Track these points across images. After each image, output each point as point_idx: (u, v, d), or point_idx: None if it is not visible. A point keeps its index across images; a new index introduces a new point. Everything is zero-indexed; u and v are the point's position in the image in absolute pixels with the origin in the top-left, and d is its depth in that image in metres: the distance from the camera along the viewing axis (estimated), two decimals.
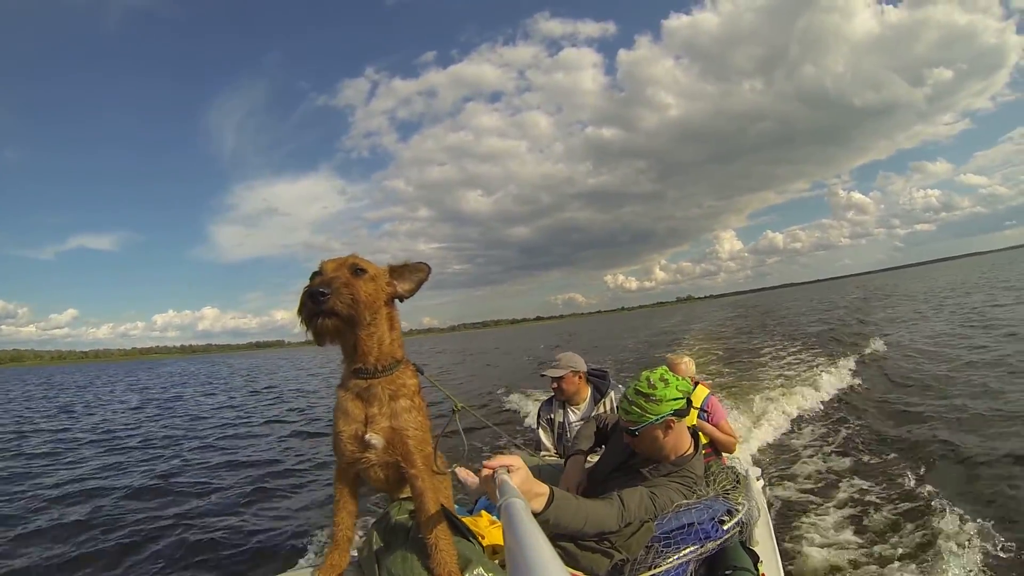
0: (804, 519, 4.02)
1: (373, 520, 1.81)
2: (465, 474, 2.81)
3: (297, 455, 8.46)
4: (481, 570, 1.49)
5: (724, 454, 3.46)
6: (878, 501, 4.14)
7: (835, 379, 8.67)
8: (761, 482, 3.39)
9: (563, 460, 2.73)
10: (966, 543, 3.26)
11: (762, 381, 9.44)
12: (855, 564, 3.33)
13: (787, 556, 3.35)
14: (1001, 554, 3.15)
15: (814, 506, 4.26)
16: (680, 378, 2.06)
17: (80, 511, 6.03)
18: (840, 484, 4.60)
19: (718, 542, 1.87)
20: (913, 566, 3.18)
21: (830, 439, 5.93)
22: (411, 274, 1.58)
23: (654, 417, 1.95)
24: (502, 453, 1.60)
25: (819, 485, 4.69)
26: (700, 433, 2.78)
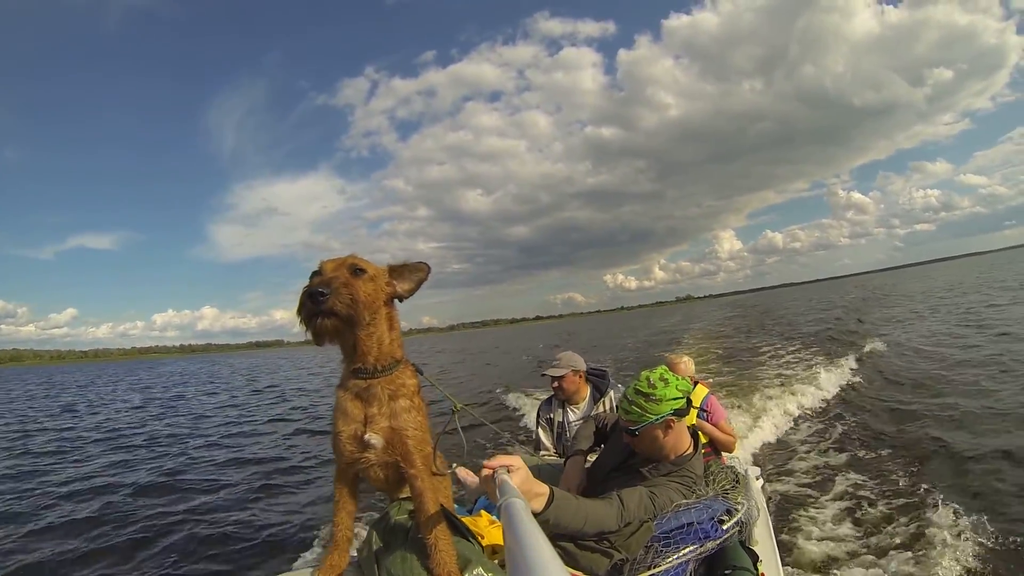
0: (802, 512, 4.17)
1: (372, 520, 1.80)
2: (465, 474, 2.82)
3: (303, 452, 8.54)
4: (481, 570, 1.49)
5: (724, 453, 3.47)
6: (872, 496, 4.29)
7: (833, 378, 8.79)
8: (760, 481, 3.37)
9: (563, 459, 2.73)
10: (958, 534, 3.42)
11: (761, 380, 9.51)
12: (851, 555, 3.47)
13: (784, 548, 3.46)
14: (989, 544, 3.31)
15: (811, 500, 4.40)
16: (680, 377, 2.06)
17: (90, 507, 6.14)
18: (836, 479, 4.74)
19: (717, 542, 1.86)
20: (907, 555, 3.33)
21: (827, 436, 6.08)
22: (410, 274, 1.58)
23: (654, 417, 1.95)
24: (502, 453, 1.60)
25: (816, 480, 4.84)
26: (699, 432, 2.77)
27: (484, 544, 1.70)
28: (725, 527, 1.92)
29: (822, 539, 3.71)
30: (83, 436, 11.41)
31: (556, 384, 3.39)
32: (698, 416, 3.24)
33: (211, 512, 5.83)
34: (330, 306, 1.32)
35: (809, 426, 6.59)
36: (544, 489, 1.51)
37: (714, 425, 3.43)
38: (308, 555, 4.43)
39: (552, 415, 3.50)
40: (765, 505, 2.82)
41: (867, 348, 11.56)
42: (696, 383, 3.48)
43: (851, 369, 9.45)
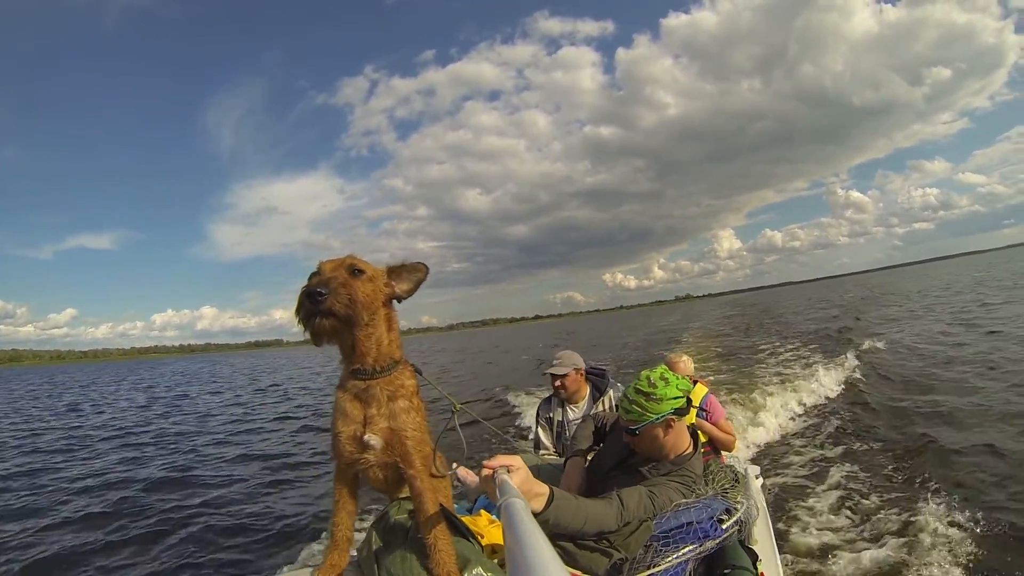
0: (798, 503, 4.42)
1: (372, 520, 1.83)
2: (465, 473, 2.83)
3: (311, 448, 8.70)
4: (480, 570, 1.49)
5: (723, 453, 3.47)
6: (865, 488, 4.54)
7: (829, 375, 9.00)
8: (760, 480, 3.43)
9: (562, 459, 2.72)
10: (945, 522, 3.69)
11: (760, 378, 9.66)
12: (845, 542, 3.71)
13: (780, 536, 3.69)
14: (973, 528, 3.58)
15: (807, 491, 4.66)
16: (680, 376, 2.06)
17: (106, 501, 6.34)
18: (831, 471, 4.99)
19: (717, 541, 1.86)
20: (899, 540, 3.58)
21: (823, 431, 6.36)
22: (409, 274, 1.58)
23: (655, 416, 1.95)
24: (502, 453, 1.60)
25: (812, 472, 5.11)
26: (699, 432, 2.78)
27: (484, 544, 1.71)
28: (724, 526, 1.93)
29: (818, 528, 3.95)
30: (91, 434, 11.59)
31: (559, 383, 3.36)
32: (697, 415, 3.29)
33: (226, 505, 6.04)
34: (328, 306, 1.32)
35: (806, 422, 6.82)
36: (544, 489, 1.52)
37: (713, 424, 3.43)
38: (315, 546, 4.57)
39: (552, 414, 3.49)
40: (765, 504, 2.87)
41: (863, 346, 11.75)
42: (695, 382, 3.48)
43: (847, 367, 9.64)
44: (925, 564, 3.25)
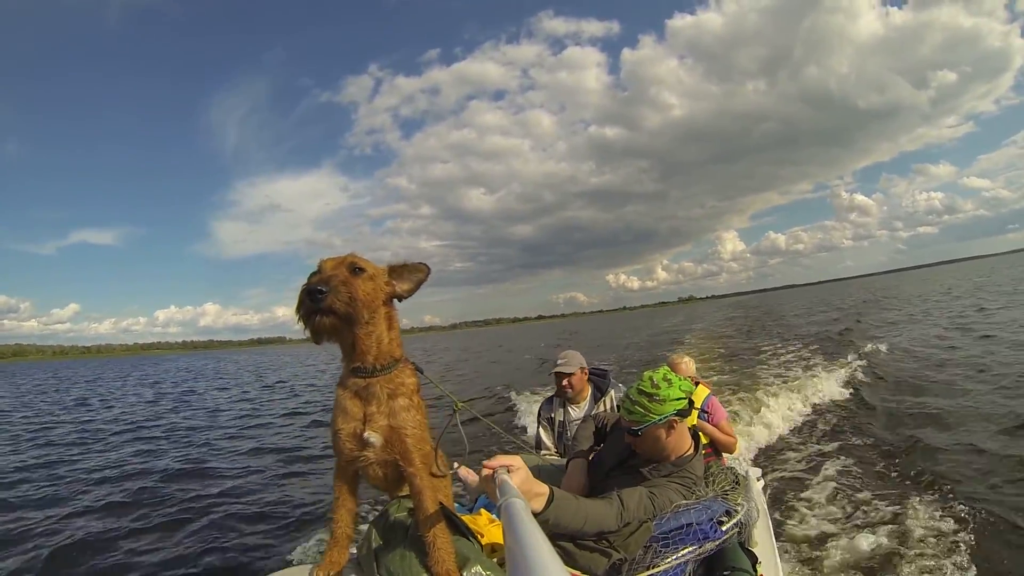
0: (795, 495, 4.68)
1: (372, 518, 1.83)
2: (466, 473, 2.85)
3: (323, 442, 8.76)
4: (480, 568, 1.49)
5: (724, 454, 3.47)
6: (859, 483, 4.82)
7: (829, 377, 9.19)
8: (761, 483, 3.49)
9: (563, 459, 2.76)
10: (933, 514, 3.97)
11: (762, 380, 9.74)
12: (840, 532, 3.96)
13: (778, 524, 3.99)
14: (964, 518, 3.87)
15: (804, 485, 4.92)
16: (682, 378, 2.07)
17: (126, 491, 6.50)
18: (827, 467, 5.26)
19: (716, 543, 1.86)
20: (890, 527, 3.87)
21: (819, 429, 6.66)
22: (410, 274, 1.58)
23: (657, 417, 1.95)
24: (503, 452, 1.61)
25: (809, 466, 5.38)
26: (700, 433, 2.80)
27: (484, 543, 1.71)
28: (724, 528, 1.93)
29: (814, 518, 4.23)
30: (103, 428, 11.77)
31: (566, 382, 3.38)
32: (699, 417, 3.27)
33: (245, 494, 6.24)
34: (328, 304, 1.33)
35: (805, 421, 7.07)
36: (544, 489, 1.52)
37: (715, 426, 3.43)
38: (322, 535, 4.68)
39: (553, 414, 3.50)
40: (765, 506, 2.88)
41: (862, 349, 11.90)
42: (697, 383, 3.48)
43: (846, 369, 9.83)
44: (916, 551, 3.53)
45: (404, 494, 1.71)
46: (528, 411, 9.09)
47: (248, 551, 4.65)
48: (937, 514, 3.95)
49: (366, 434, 1.50)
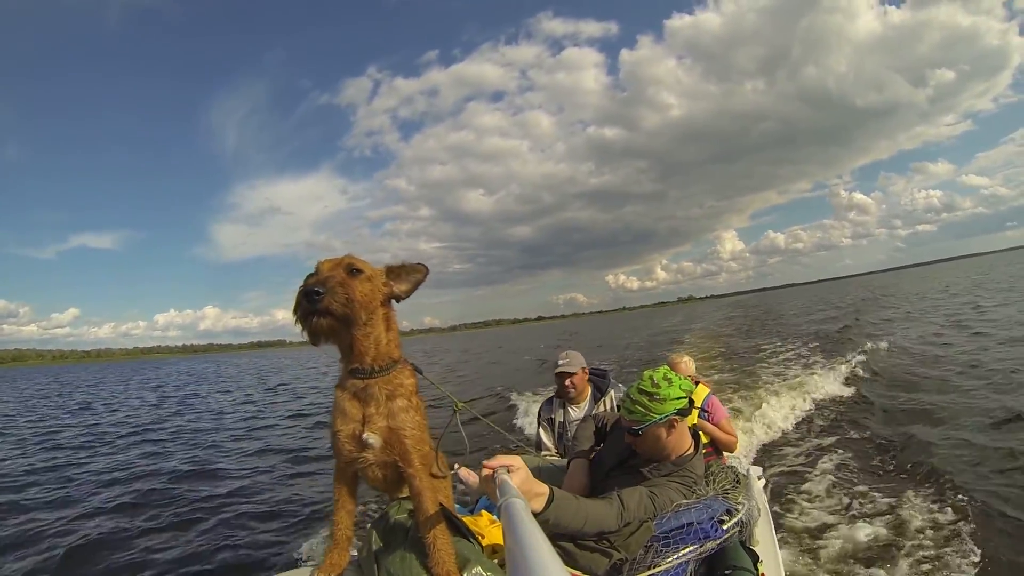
0: (795, 488, 4.82)
1: (373, 519, 1.83)
2: (466, 473, 2.86)
3: (328, 442, 8.80)
4: (480, 569, 1.48)
5: (725, 453, 3.48)
6: (856, 477, 4.99)
7: (828, 375, 9.32)
8: (762, 481, 3.50)
9: (563, 459, 2.76)
10: (928, 505, 4.13)
11: (762, 379, 9.82)
12: (838, 523, 4.09)
13: (778, 516, 4.09)
14: (959, 507, 4.04)
15: (804, 478, 5.08)
16: (682, 377, 2.07)
17: (136, 492, 6.59)
18: (825, 461, 5.42)
19: (717, 542, 1.86)
20: (887, 517, 4.02)
21: (818, 425, 6.83)
22: (408, 275, 1.57)
23: (658, 416, 1.95)
24: (503, 452, 1.62)
25: (808, 460, 5.55)
26: (700, 433, 2.81)
27: (484, 544, 1.70)
28: (725, 527, 1.92)
29: (814, 509, 4.39)
30: (109, 431, 11.85)
31: (568, 382, 3.38)
32: (699, 416, 3.27)
33: (255, 494, 6.35)
34: (325, 305, 1.32)
35: (804, 418, 7.20)
36: (544, 489, 1.52)
37: (715, 425, 3.44)
38: (323, 532, 4.76)
39: (553, 415, 3.50)
40: (767, 505, 2.89)
41: (861, 347, 12.00)
42: (697, 383, 3.49)
43: (845, 366, 9.93)
44: (912, 541, 3.67)
45: (404, 495, 1.71)
46: (528, 411, 9.14)
47: (260, 548, 4.75)
48: (931, 505, 4.12)
49: (365, 435, 1.50)
